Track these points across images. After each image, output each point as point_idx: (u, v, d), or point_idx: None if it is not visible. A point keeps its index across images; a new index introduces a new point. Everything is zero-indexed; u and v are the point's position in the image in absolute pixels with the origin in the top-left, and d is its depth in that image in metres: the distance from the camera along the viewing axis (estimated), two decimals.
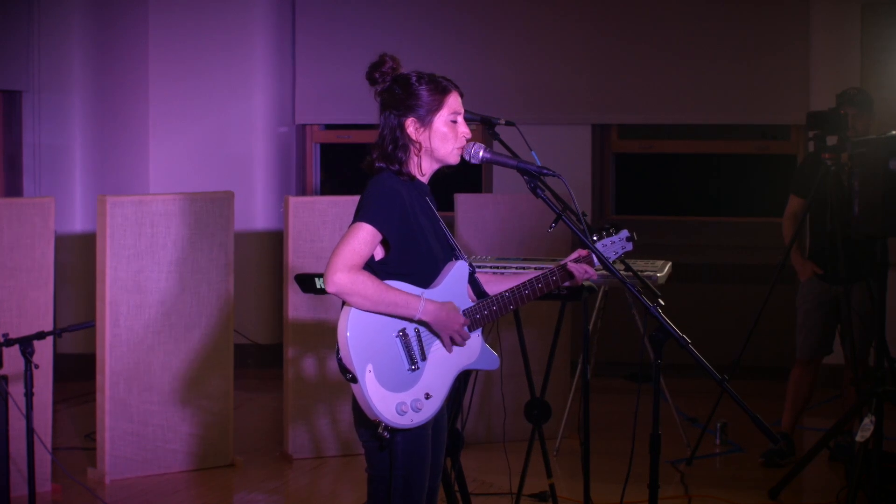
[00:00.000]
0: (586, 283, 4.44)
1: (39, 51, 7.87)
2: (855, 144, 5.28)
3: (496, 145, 4.11)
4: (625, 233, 3.65)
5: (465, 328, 3.33)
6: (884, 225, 4.94)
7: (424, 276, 3.31)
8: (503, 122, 4.19)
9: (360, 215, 3.21)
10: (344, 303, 3.21)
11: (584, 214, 3.59)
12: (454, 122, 3.37)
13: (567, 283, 3.57)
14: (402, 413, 3.22)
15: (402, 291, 3.22)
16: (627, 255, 3.71)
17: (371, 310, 3.19)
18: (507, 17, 8.25)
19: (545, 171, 3.43)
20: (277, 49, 8.49)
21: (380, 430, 3.22)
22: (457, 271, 3.37)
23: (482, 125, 4.19)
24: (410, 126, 3.33)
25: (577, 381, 6.26)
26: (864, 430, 4.88)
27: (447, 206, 6.45)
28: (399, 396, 3.22)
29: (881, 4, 7.60)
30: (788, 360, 6.29)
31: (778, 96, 7.87)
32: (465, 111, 4.05)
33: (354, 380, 3.18)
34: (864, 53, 7.62)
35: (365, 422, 3.27)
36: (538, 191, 3.45)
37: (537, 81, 8.18)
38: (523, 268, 4.97)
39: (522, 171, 3.44)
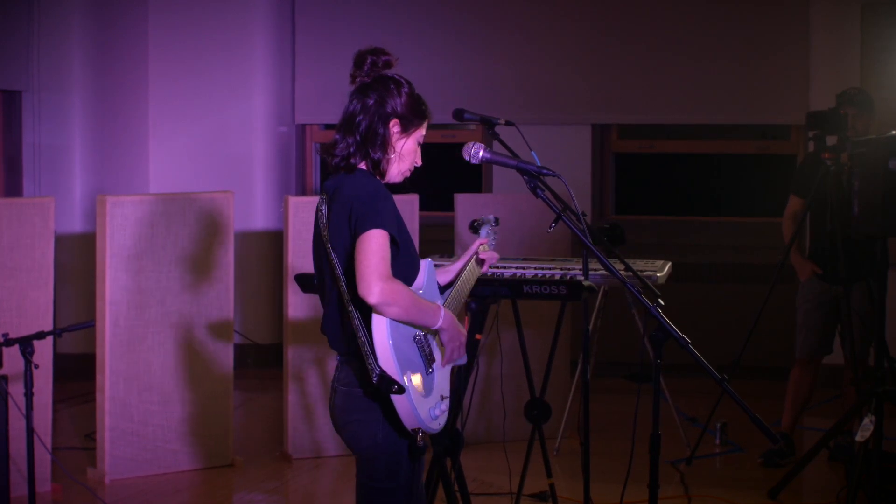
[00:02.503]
0: (585, 283, 4.44)
1: (39, 51, 7.87)
2: (855, 144, 5.28)
3: (496, 145, 4.12)
4: (491, 217, 3.82)
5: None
6: (883, 225, 4.94)
7: (412, 278, 3.29)
8: (503, 122, 4.19)
9: (370, 222, 3.09)
10: (369, 315, 3.11)
11: (583, 214, 3.59)
12: (420, 144, 3.32)
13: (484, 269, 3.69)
14: (434, 417, 3.19)
15: (427, 301, 3.20)
16: (627, 254, 3.71)
17: (403, 319, 3.11)
18: (507, 17, 8.25)
19: (545, 171, 3.43)
20: (277, 49, 8.50)
21: (419, 438, 3.14)
22: (429, 269, 3.35)
23: (482, 125, 4.19)
24: (395, 126, 3.24)
25: (576, 381, 6.26)
26: (864, 429, 4.88)
27: (447, 206, 6.46)
28: (429, 401, 3.19)
29: (881, 4, 7.60)
30: (788, 360, 6.29)
31: (778, 96, 7.87)
32: (465, 111, 4.05)
33: (401, 390, 3.06)
34: (864, 53, 7.62)
35: (365, 427, 3.22)
36: (538, 191, 3.45)
37: (537, 81, 8.18)
38: (523, 268, 4.97)
39: (522, 171, 3.44)
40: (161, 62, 8.18)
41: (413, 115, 3.26)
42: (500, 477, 5.51)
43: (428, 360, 3.22)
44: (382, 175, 3.27)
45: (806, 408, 6.14)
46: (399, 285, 3.09)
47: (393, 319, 3.09)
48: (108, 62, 8.17)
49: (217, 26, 8.30)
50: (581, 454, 4.62)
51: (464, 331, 3.30)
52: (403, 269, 3.22)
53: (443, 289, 3.48)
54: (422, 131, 3.30)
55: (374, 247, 3.07)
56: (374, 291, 3.03)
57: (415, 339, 3.19)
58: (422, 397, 3.14)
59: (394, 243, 3.16)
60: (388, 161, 3.25)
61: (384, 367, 3.07)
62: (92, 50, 8.15)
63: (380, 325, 3.08)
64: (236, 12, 8.33)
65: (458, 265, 3.59)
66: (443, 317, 3.20)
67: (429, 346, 3.25)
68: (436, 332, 3.26)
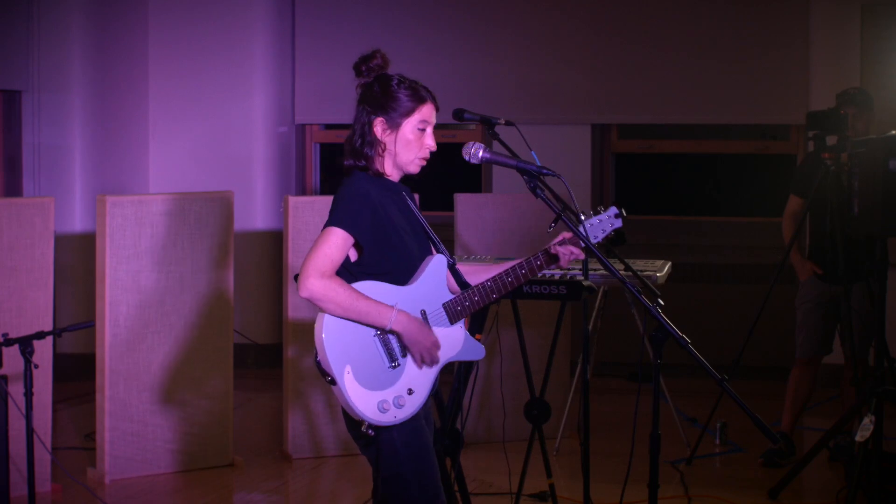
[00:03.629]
0: (586, 283, 4.44)
1: (39, 50, 7.87)
2: (854, 144, 5.28)
3: (496, 145, 4.11)
4: (613, 209, 3.58)
5: (437, 349, 3.32)
6: (883, 225, 4.94)
7: (401, 274, 3.32)
8: (503, 122, 4.19)
9: (331, 219, 3.23)
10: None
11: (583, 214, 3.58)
12: (422, 130, 3.37)
13: (553, 266, 3.52)
14: (383, 411, 3.23)
15: (374, 301, 3.22)
16: (627, 254, 3.70)
17: (342, 317, 3.20)
18: (506, 17, 8.24)
19: (545, 170, 3.43)
20: (277, 49, 8.49)
21: (363, 428, 3.23)
22: (434, 265, 3.37)
23: (482, 125, 4.18)
24: (378, 125, 3.34)
25: (576, 381, 6.26)
26: (864, 429, 4.88)
27: (447, 206, 6.46)
28: (380, 395, 3.23)
29: (881, 4, 7.60)
30: (788, 359, 6.29)
31: (778, 96, 7.87)
32: (465, 111, 4.02)
33: (333, 382, 3.20)
34: (864, 53, 7.62)
35: (352, 421, 3.29)
36: (538, 191, 3.45)
37: (537, 81, 8.18)
38: None
39: (522, 171, 3.45)
40: (161, 62, 8.17)
41: (399, 108, 3.34)
42: (499, 477, 5.51)
43: (391, 355, 3.26)
44: (378, 174, 3.35)
45: (806, 408, 6.14)
46: (336, 283, 3.17)
47: (332, 315, 3.19)
48: (108, 62, 8.17)
49: (217, 26, 8.30)
50: (581, 454, 4.63)
51: (429, 335, 3.29)
52: (386, 264, 3.29)
53: (465, 286, 3.45)
54: (417, 117, 3.35)
55: (322, 243, 3.21)
56: (305, 286, 3.17)
57: (377, 333, 3.26)
58: (364, 390, 3.21)
59: (357, 245, 3.26)
60: (380, 160, 3.36)
61: (320, 359, 3.21)
62: (92, 50, 8.15)
63: (319, 318, 3.22)
64: (236, 12, 8.33)
65: (509, 263, 3.52)
66: (393, 320, 3.23)
67: (400, 340, 3.29)
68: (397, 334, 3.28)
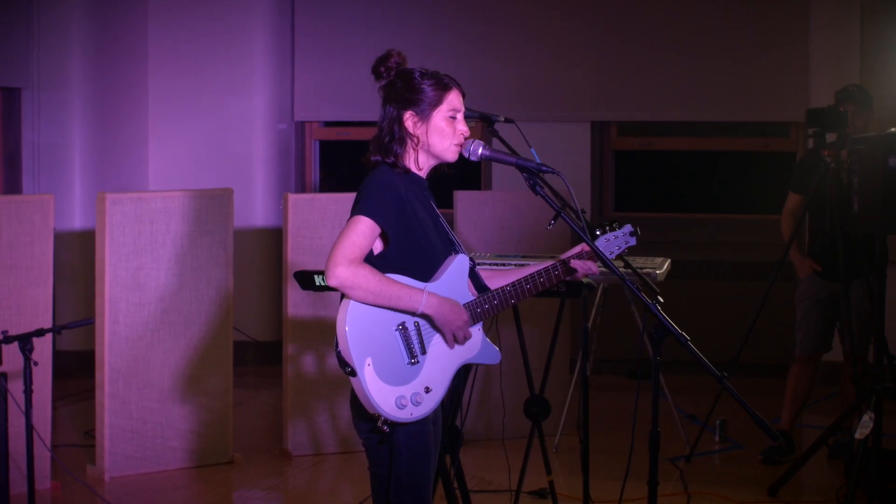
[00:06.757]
0: (586, 280, 4.44)
1: (39, 48, 7.87)
2: (854, 141, 5.28)
3: (495, 142, 4.12)
4: (628, 227, 3.62)
5: (468, 326, 3.32)
6: (883, 222, 4.94)
7: (424, 270, 3.31)
8: (502, 120, 4.19)
9: (358, 208, 3.22)
10: (343, 296, 3.21)
11: (583, 211, 3.58)
12: (453, 118, 3.38)
13: (568, 278, 3.55)
14: (401, 407, 3.23)
15: (404, 284, 3.23)
16: (627, 252, 3.70)
17: (373, 303, 3.18)
18: (506, 16, 8.24)
19: (544, 168, 3.43)
20: (277, 46, 8.49)
21: (379, 423, 3.21)
22: (457, 265, 3.37)
23: (481, 122, 4.19)
24: (409, 119, 3.34)
25: (576, 378, 6.26)
26: (864, 427, 4.89)
27: (447, 203, 6.46)
28: (398, 390, 3.23)
29: (881, 4, 7.59)
30: (788, 357, 6.29)
31: (778, 94, 7.87)
32: (465, 108, 4.04)
33: (353, 373, 3.19)
34: (864, 53, 7.61)
35: (364, 416, 3.26)
36: (537, 188, 3.44)
37: (537, 79, 8.18)
38: (522, 265, 4.97)
39: (521, 169, 3.44)
40: (161, 60, 8.17)
41: (426, 99, 3.35)
42: (499, 474, 5.51)
43: (411, 351, 3.25)
44: (406, 169, 3.35)
45: (805, 405, 6.14)
46: (364, 269, 3.17)
47: (361, 302, 3.18)
48: (108, 59, 8.17)
49: (217, 25, 8.30)
50: (580, 451, 4.63)
51: (461, 313, 3.29)
52: (410, 258, 3.28)
53: (483, 290, 3.45)
54: (446, 105, 3.37)
55: (349, 231, 3.20)
56: (335, 273, 3.15)
57: (398, 328, 3.24)
58: (383, 384, 3.20)
59: (383, 236, 3.25)
60: (410, 155, 3.36)
61: (341, 349, 3.20)
62: (92, 47, 8.15)
63: (343, 308, 3.20)
64: (236, 12, 8.32)
65: (528, 270, 3.51)
66: (425, 302, 3.23)
67: (420, 336, 3.27)
68: (429, 319, 3.27)
